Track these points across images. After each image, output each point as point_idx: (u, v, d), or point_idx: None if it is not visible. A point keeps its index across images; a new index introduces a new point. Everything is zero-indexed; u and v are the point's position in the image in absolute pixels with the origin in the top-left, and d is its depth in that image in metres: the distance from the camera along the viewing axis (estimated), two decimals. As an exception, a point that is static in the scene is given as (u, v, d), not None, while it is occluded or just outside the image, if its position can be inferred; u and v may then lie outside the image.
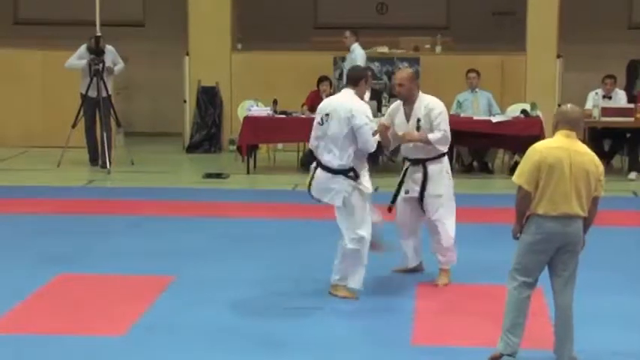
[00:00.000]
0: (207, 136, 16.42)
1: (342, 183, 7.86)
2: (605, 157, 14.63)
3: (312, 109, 13.76)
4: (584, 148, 6.41)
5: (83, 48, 14.40)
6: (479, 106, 14.41)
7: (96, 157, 14.52)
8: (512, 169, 14.21)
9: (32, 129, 16.43)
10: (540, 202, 6.30)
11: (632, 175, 14.00)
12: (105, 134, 14.12)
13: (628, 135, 14.33)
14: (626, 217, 11.57)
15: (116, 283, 8.50)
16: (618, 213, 11.74)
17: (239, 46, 16.77)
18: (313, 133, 8.06)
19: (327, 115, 7.93)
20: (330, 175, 7.88)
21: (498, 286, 8.26)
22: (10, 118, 16.43)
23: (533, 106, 14.18)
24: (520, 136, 13.78)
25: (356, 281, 7.99)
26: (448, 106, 14.25)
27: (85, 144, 14.60)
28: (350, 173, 7.86)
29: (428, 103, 8.36)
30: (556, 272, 6.48)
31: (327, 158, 7.90)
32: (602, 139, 14.57)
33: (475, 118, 14.01)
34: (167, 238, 10.12)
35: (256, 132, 13.93)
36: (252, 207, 11.70)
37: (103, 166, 14.17)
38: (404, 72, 8.58)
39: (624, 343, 7.10)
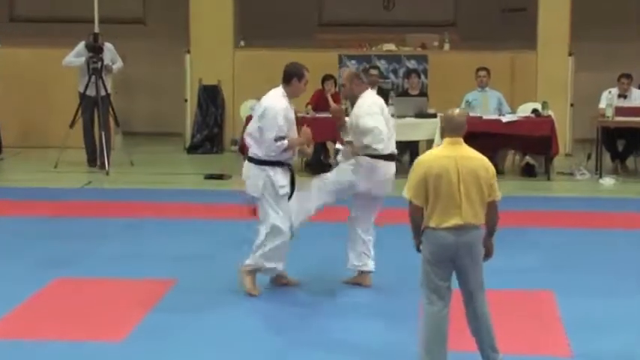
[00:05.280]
0: (208, 137, 16.42)
1: (255, 171, 8.16)
2: (618, 157, 14.62)
3: (317, 108, 13.78)
4: (473, 153, 6.33)
5: (81, 45, 14.40)
6: (488, 106, 14.39)
7: (94, 158, 14.52)
8: (523, 171, 14.21)
9: (29, 129, 16.44)
10: (432, 215, 6.23)
11: (647, 176, 13.98)
12: (103, 134, 14.11)
13: (642, 135, 14.30)
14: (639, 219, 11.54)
15: (115, 287, 8.49)
16: (632, 215, 11.71)
17: (241, 43, 16.77)
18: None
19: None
20: (253, 165, 8.18)
21: (504, 291, 8.29)
22: (7, 118, 16.40)
23: (545, 105, 14.15)
24: (531, 137, 13.78)
25: None
26: (456, 105, 14.36)
27: (83, 144, 14.60)
28: (268, 165, 8.12)
29: (363, 102, 8.32)
30: (460, 283, 6.36)
31: (252, 150, 8.22)
32: (616, 139, 14.54)
33: (484, 117, 13.98)
34: (167, 241, 10.10)
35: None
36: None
37: (102, 167, 14.17)
38: (344, 72, 8.72)
39: (636, 347, 7.07)
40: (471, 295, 6.32)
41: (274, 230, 8.15)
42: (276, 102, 8.12)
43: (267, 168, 8.12)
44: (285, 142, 8.05)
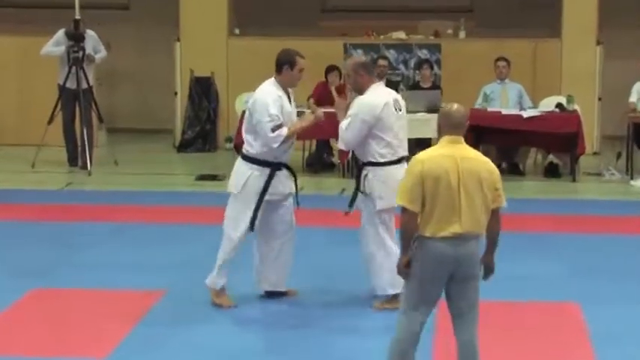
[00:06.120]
0: (200, 133, 16.46)
1: (242, 168, 8.15)
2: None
3: (320, 102, 13.76)
4: (475, 153, 6.13)
5: (61, 33, 14.42)
6: (508, 99, 14.39)
7: (75, 157, 14.55)
8: (546, 171, 14.20)
9: (4, 125, 16.47)
10: (428, 223, 5.99)
11: (682, 177, 13.96)
12: (85, 131, 14.13)
13: (677, 132, 14.29)
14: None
15: (98, 298, 8.49)
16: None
17: (236, 31, 16.79)
18: None
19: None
20: (242, 161, 8.21)
21: (526, 302, 8.29)
22: (-21, 113, 16.47)
23: (570, 99, 14.15)
24: (555, 134, 13.77)
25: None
26: (473, 99, 14.39)
27: (63, 142, 14.62)
28: (258, 164, 8.11)
29: (359, 98, 8.21)
30: (452, 303, 6.14)
31: (245, 146, 8.24)
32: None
33: (504, 112, 13.98)
34: (155, 248, 10.12)
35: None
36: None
37: (83, 166, 14.18)
38: (348, 62, 8.55)
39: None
40: (462, 321, 6.12)
41: (227, 236, 8.24)
42: (265, 92, 8.13)
43: (255, 167, 8.11)
44: (284, 130, 8.02)
